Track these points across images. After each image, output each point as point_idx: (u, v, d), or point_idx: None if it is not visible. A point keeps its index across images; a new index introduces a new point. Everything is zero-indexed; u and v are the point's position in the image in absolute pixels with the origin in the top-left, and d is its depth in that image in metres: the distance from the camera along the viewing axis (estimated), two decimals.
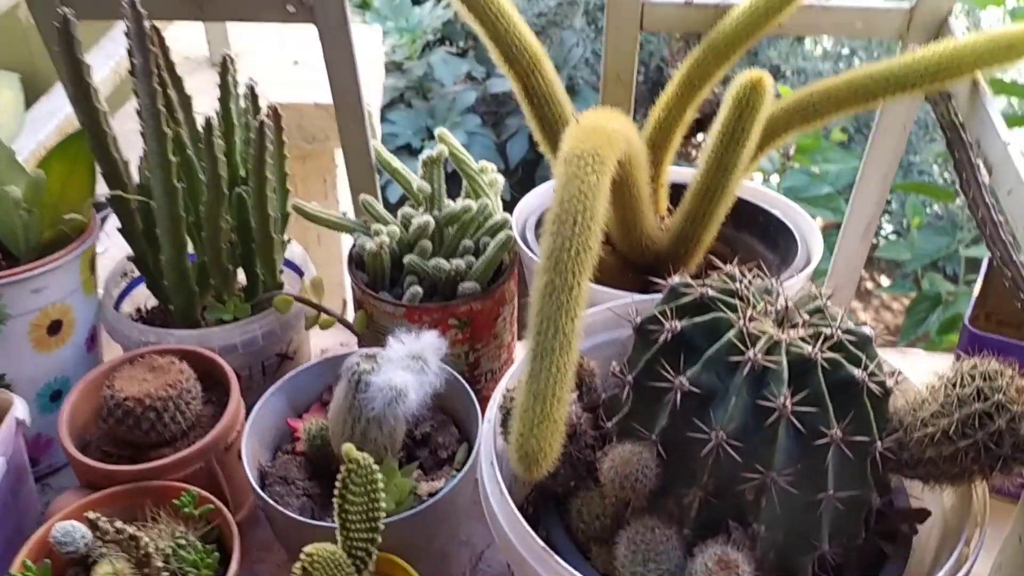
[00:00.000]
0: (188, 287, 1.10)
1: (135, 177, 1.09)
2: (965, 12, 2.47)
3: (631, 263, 1.02)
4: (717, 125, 0.88)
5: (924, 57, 0.89)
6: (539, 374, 0.65)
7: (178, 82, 1.08)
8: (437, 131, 1.14)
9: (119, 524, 0.74)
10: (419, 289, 1.06)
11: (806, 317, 0.71)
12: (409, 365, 0.88)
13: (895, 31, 1.05)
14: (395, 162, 1.17)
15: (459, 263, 1.07)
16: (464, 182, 1.16)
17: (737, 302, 0.71)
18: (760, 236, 1.09)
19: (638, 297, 0.87)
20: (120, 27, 1.02)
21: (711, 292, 0.72)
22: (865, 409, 0.67)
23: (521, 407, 0.65)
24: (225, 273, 1.11)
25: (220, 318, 1.11)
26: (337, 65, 1.11)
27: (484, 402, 0.85)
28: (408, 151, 2.93)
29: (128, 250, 1.11)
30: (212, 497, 0.87)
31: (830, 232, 2.28)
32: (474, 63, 3.20)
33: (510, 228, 1.08)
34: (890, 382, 0.69)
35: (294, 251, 1.21)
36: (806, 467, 0.66)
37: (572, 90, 3.02)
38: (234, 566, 0.81)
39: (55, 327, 1.04)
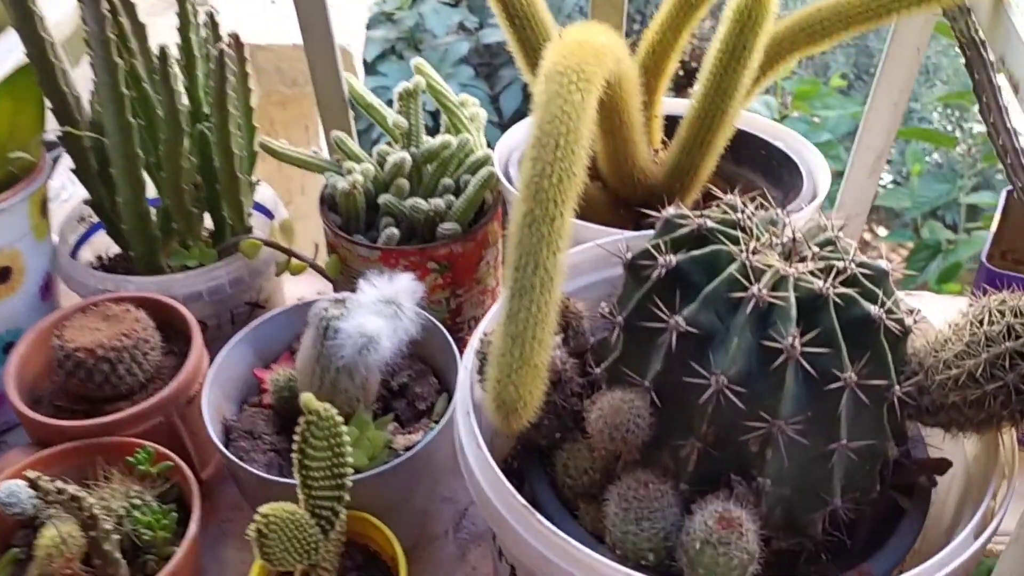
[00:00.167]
0: (149, 232, 1.02)
1: (89, 114, 1.01)
2: None
3: (622, 200, 0.94)
4: (716, 43, 0.80)
5: None
6: (517, 314, 0.59)
7: (131, 8, 1.00)
8: (414, 61, 1.06)
9: (59, 484, 0.67)
10: (396, 231, 0.99)
11: (815, 250, 0.64)
12: (381, 310, 0.81)
13: None
14: (369, 96, 1.09)
15: (438, 203, 0.99)
16: (443, 116, 1.08)
17: (739, 234, 0.64)
18: (762, 171, 1.02)
19: (629, 234, 0.80)
20: None
21: (710, 223, 0.64)
22: (882, 350, 0.60)
23: (498, 351, 0.59)
24: (188, 217, 1.04)
25: (184, 264, 1.04)
26: None
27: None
28: None
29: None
30: (170, 454, 0.80)
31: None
32: (467, 13, 3.09)
33: (492, 165, 1.00)
34: (908, 320, 0.63)
35: (264, 194, 1.13)
36: (817, 415, 0.59)
37: None
38: (193, 527, 0.75)
39: (4, 274, 0.96)
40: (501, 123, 2.89)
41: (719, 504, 0.58)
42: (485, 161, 1.02)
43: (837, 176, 1.05)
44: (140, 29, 1.00)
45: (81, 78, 1.00)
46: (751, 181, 1.01)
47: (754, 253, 0.62)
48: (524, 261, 0.60)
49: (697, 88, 0.86)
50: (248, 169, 1.06)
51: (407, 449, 0.82)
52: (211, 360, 0.88)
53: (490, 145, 1.06)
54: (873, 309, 0.60)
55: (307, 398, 0.62)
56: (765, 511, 0.61)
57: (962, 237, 2.26)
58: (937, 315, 0.68)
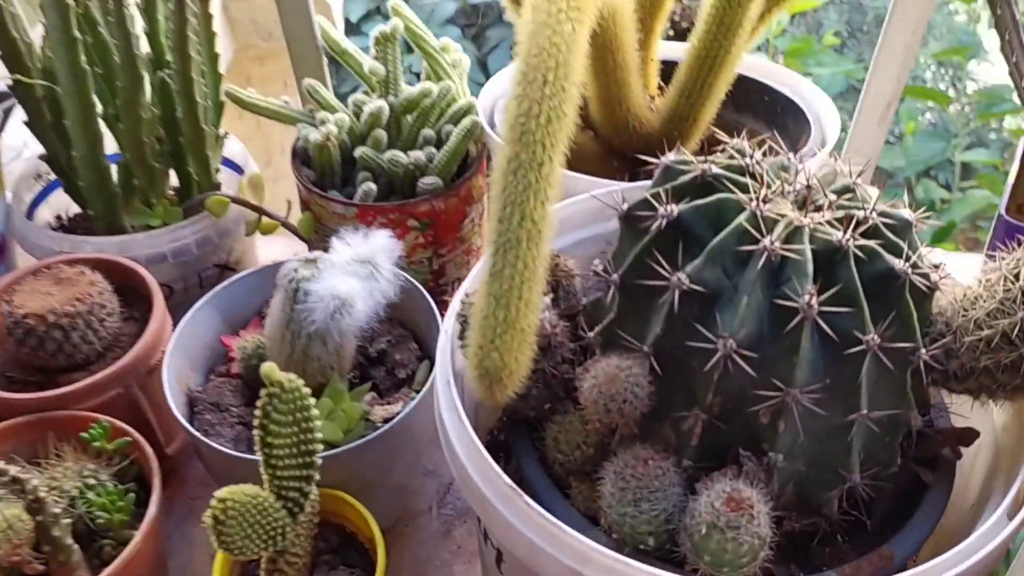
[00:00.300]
0: (108, 189, 0.95)
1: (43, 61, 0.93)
2: None
3: (615, 150, 0.87)
4: None
5: None
6: (502, 272, 0.52)
7: None
8: (391, 2, 0.98)
9: (0, 464, 0.61)
10: (373, 186, 0.92)
11: (832, 198, 0.57)
12: (356, 271, 0.74)
13: None
14: (344, 42, 1.02)
15: (418, 155, 0.92)
16: (424, 63, 1.00)
17: (748, 180, 0.57)
18: (766, 119, 0.95)
19: (624, 185, 0.73)
20: None
21: (715, 169, 0.58)
22: (907, 309, 0.54)
23: (480, 313, 0.52)
24: (151, 172, 0.97)
25: (147, 224, 0.97)
26: None
27: None
28: None
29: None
30: (128, 428, 0.74)
31: None
32: None
33: (476, 114, 0.93)
34: (934, 276, 0.56)
35: (234, 148, 1.06)
36: (835, 382, 0.53)
37: None
38: (152, 509, 0.69)
39: None
40: None
41: (726, 483, 0.52)
42: (468, 110, 0.95)
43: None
44: None
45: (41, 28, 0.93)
46: (754, 130, 0.94)
47: (765, 202, 0.55)
48: (509, 212, 0.53)
49: (697, 26, 0.79)
50: (215, 120, 0.99)
51: (385, 421, 0.76)
52: (175, 327, 0.82)
53: None
54: (898, 263, 0.54)
55: (268, 368, 0.56)
56: (776, 489, 0.55)
57: (956, 196, 2.23)
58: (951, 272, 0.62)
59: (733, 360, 0.52)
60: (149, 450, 0.73)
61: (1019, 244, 0.57)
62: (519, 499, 0.53)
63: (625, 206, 0.59)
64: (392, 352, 0.83)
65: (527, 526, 0.53)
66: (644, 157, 0.62)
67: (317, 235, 0.95)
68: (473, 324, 0.53)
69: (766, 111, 0.95)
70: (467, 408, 0.59)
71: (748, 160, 0.59)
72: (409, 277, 0.83)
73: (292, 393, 0.57)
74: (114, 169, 0.96)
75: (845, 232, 0.54)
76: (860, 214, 0.55)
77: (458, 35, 2.88)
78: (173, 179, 1.02)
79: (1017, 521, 0.52)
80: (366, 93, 1.00)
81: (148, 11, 0.95)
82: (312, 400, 0.58)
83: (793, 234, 0.54)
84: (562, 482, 0.61)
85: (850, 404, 0.54)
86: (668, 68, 0.89)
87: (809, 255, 0.53)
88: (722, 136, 0.62)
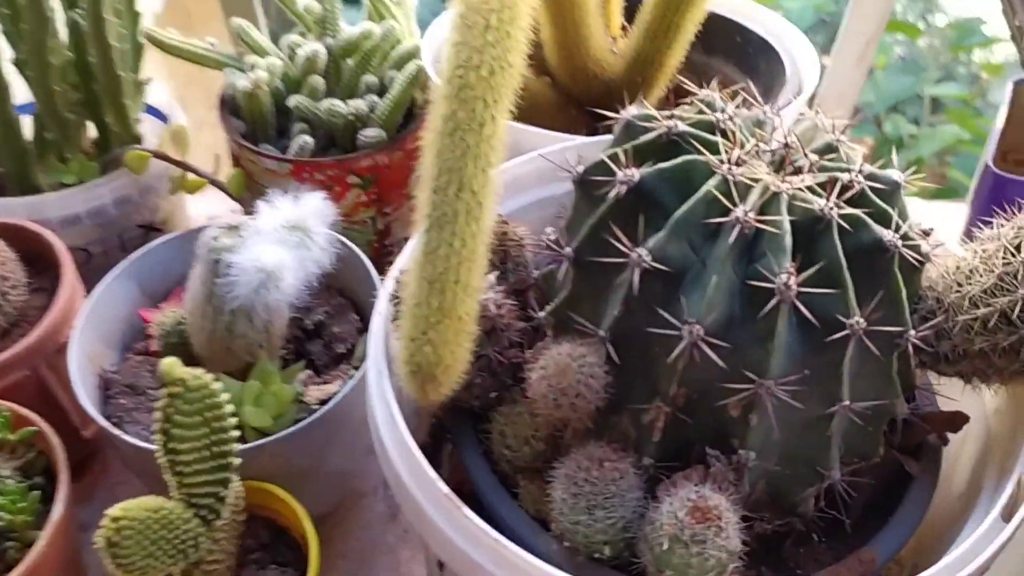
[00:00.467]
0: (17, 144, 0.87)
1: None
2: None
3: (574, 98, 0.80)
4: None
5: None
6: (436, 251, 0.45)
7: None
8: None
9: None
10: (309, 139, 0.84)
11: (814, 158, 0.50)
12: (285, 238, 0.67)
13: None
14: None
15: (359, 105, 0.84)
16: (365, 0, 0.91)
17: (718, 139, 0.50)
18: (737, 61, 0.87)
19: (581, 141, 0.66)
20: None
21: (681, 126, 0.50)
22: (896, 286, 0.48)
23: (412, 301, 0.45)
24: (64, 124, 0.88)
25: (61, 182, 0.88)
26: None
27: None
28: None
29: None
30: (32, 416, 0.67)
31: None
32: None
33: (422, 58, 0.84)
34: (925, 246, 0.50)
35: (159, 96, 0.97)
36: (815, 371, 0.47)
37: None
38: (58, 508, 0.62)
39: None
40: None
41: (691, 489, 0.46)
42: (414, 53, 0.86)
43: None
44: None
45: None
46: (725, 74, 0.87)
47: (737, 164, 0.48)
48: (445, 181, 0.46)
49: None
50: (133, 65, 0.90)
51: (322, 403, 0.69)
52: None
53: None
54: (886, 234, 0.47)
55: (168, 365, 0.48)
56: (746, 488, 0.49)
57: (924, 131, 2.19)
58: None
59: (700, 349, 0.46)
60: (56, 441, 0.65)
61: (1017, 206, 0.51)
62: (459, 511, 0.46)
63: (580, 168, 0.52)
64: (330, 324, 0.76)
65: (466, 540, 0.46)
66: (605, 112, 0.54)
67: (250, 193, 0.86)
68: (404, 313, 0.46)
69: (738, 53, 0.87)
70: (405, 396, 0.52)
71: (719, 115, 0.52)
72: (348, 243, 0.75)
73: (199, 391, 0.49)
74: (27, 122, 0.87)
75: (828, 199, 0.47)
76: (845, 178, 0.49)
77: None
78: (94, 132, 0.93)
79: (1014, 524, 0.46)
80: (301, 34, 0.91)
81: None
82: (225, 396, 0.51)
83: (769, 202, 0.47)
84: (509, 480, 0.55)
85: (831, 395, 0.48)
86: (632, 6, 0.81)
87: (787, 227, 0.46)
88: (690, 86, 0.55)
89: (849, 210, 0.47)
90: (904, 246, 0.48)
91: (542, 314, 0.54)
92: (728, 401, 0.47)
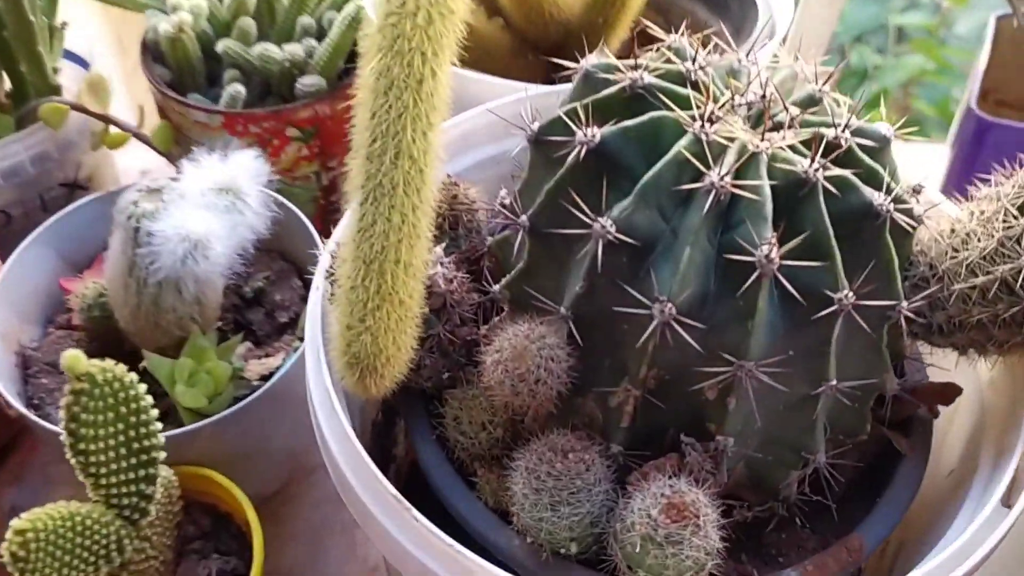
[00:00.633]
0: None
1: None
2: None
3: (529, 42, 0.74)
4: None
5: None
6: (372, 228, 0.40)
7: None
8: None
9: None
10: (241, 89, 0.77)
11: (795, 112, 0.45)
12: (213, 202, 0.61)
13: None
14: None
15: (295, 49, 0.77)
16: None
17: (689, 92, 0.45)
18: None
19: (536, 90, 0.60)
20: None
21: (647, 77, 0.45)
22: (887, 254, 0.43)
23: (347, 282, 0.40)
24: None
25: None
26: None
27: None
28: None
29: None
30: None
31: None
32: None
33: None
34: (917, 208, 0.45)
35: (81, 42, 0.89)
36: (800, 350, 0.43)
37: None
38: None
39: None
40: None
41: (665, 483, 0.42)
42: None
43: None
44: None
45: None
46: (691, 12, 0.81)
47: (711, 121, 0.43)
48: (380, 147, 0.41)
49: None
50: (47, 9, 0.82)
51: (263, 379, 0.64)
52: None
53: None
54: (876, 197, 0.43)
55: (71, 358, 0.43)
56: (725, 478, 0.45)
57: (889, 61, 2.16)
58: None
59: (672, 329, 0.41)
60: None
61: (1012, 159, 0.47)
62: (407, 512, 0.42)
63: (535, 126, 0.46)
64: (271, 291, 0.71)
65: (417, 545, 0.42)
66: (563, 62, 0.48)
67: (180, 148, 0.80)
68: (338, 298, 0.41)
69: None
70: (339, 390, 0.47)
71: (689, 64, 0.46)
72: (287, 203, 0.69)
73: (109, 385, 0.44)
74: None
75: (812, 159, 0.42)
76: (830, 134, 0.44)
77: None
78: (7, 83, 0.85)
79: (1017, 510, 0.43)
80: None
81: None
82: (139, 388, 0.45)
83: (747, 164, 0.42)
84: (466, 467, 0.50)
85: (816, 375, 0.44)
86: None
87: (768, 192, 0.42)
88: (656, 30, 0.49)
89: (836, 171, 0.42)
90: (896, 210, 0.43)
91: (496, 287, 0.49)
92: (704, 385, 0.43)
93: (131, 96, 0.95)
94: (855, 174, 0.43)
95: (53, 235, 0.70)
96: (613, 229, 0.41)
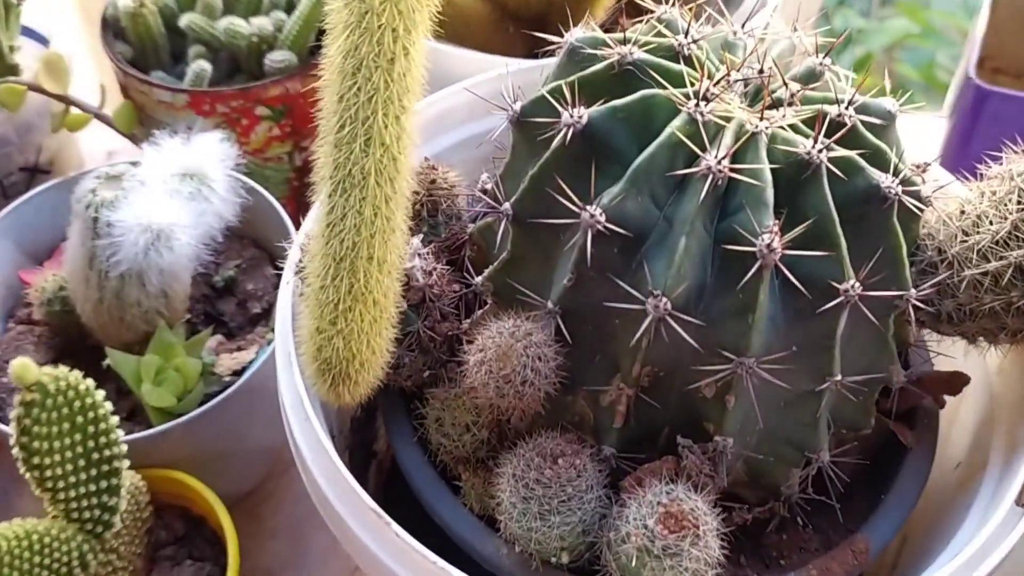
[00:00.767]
0: None
1: None
2: None
3: (510, 13, 0.70)
4: None
5: None
6: (342, 222, 0.37)
7: None
8: None
9: None
10: (207, 66, 0.73)
11: (795, 88, 0.42)
12: (176, 189, 0.57)
13: None
14: None
15: (263, 23, 0.74)
16: None
17: (682, 68, 0.41)
18: None
19: (518, 65, 0.57)
20: None
21: (637, 53, 0.42)
22: (895, 240, 0.41)
23: (317, 282, 0.37)
24: None
25: None
26: None
27: None
28: None
29: None
30: None
31: None
32: None
33: None
34: (925, 189, 0.43)
35: (41, 18, 0.84)
36: (803, 345, 0.40)
37: None
38: None
39: None
40: None
41: (661, 490, 0.39)
42: None
43: None
44: None
45: None
46: None
47: (706, 99, 0.40)
48: (348, 133, 0.37)
49: None
50: None
51: (236, 374, 0.61)
52: None
53: None
54: (883, 179, 0.40)
55: (19, 367, 0.39)
56: (724, 479, 0.42)
57: (872, 25, 2.13)
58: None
59: (668, 325, 0.38)
60: None
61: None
62: (387, 527, 0.39)
63: (517, 106, 0.43)
64: (243, 281, 0.67)
65: (397, 561, 0.39)
66: (546, 36, 0.45)
67: (143, 128, 0.76)
68: (308, 298, 0.37)
69: None
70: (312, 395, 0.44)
71: (681, 38, 0.43)
72: (257, 187, 0.66)
73: (62, 395, 0.41)
74: None
75: (815, 140, 0.39)
76: (833, 111, 0.41)
77: None
78: None
79: None
80: None
81: None
82: (100, 394, 0.42)
83: (746, 146, 0.39)
84: (450, 471, 0.47)
85: (820, 370, 0.41)
86: None
87: (768, 176, 0.39)
88: (645, 1, 0.46)
89: (840, 152, 0.40)
90: (905, 193, 0.40)
91: (479, 279, 0.46)
92: (701, 383, 0.40)
93: (100, 74, 0.91)
94: (860, 154, 0.40)
95: (11, 224, 0.66)
96: (603, 218, 0.38)
